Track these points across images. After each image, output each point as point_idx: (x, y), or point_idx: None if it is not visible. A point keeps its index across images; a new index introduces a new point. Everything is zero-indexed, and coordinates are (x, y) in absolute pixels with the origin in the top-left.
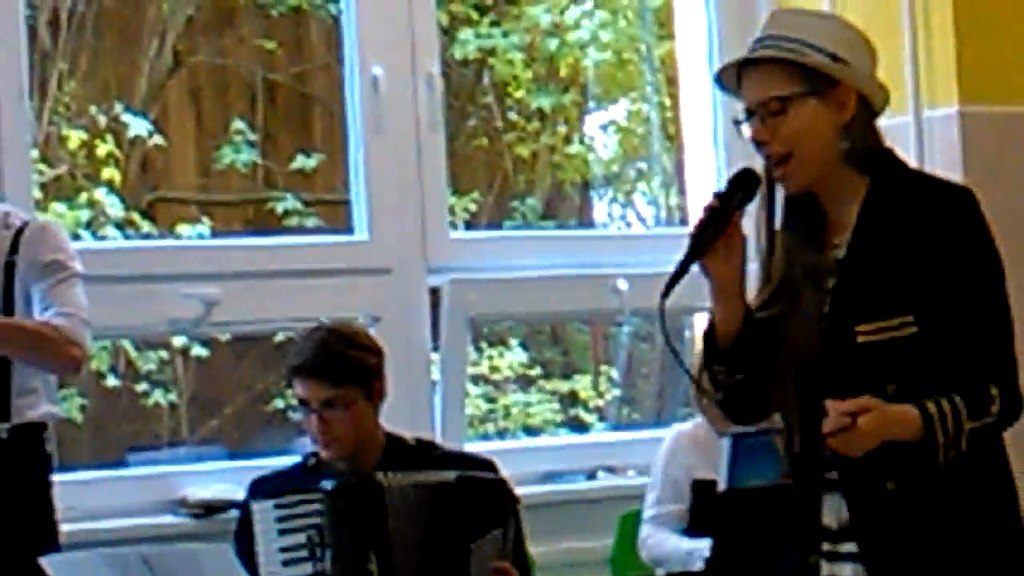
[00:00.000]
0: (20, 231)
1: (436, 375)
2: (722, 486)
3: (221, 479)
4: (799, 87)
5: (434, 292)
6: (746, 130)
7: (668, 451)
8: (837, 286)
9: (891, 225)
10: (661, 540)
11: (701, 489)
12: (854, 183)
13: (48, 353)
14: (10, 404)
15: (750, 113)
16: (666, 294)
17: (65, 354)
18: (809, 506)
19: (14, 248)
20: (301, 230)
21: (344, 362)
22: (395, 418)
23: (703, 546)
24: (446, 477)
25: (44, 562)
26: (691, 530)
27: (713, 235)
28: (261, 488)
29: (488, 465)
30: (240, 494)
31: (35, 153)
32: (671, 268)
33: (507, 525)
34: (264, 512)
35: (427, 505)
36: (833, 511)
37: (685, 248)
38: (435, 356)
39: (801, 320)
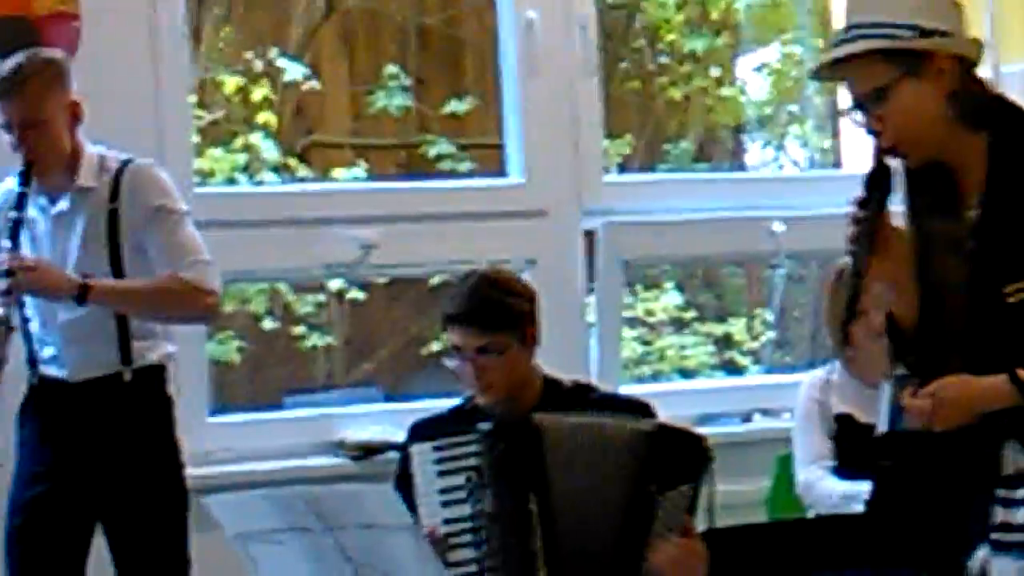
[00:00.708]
0: (119, 176)
1: (591, 318)
2: (882, 428)
3: (377, 421)
4: (894, 72)
5: (588, 235)
6: (857, 119)
7: (807, 392)
8: (977, 249)
9: (1021, 176)
10: (816, 481)
11: (845, 424)
12: (974, 142)
13: (181, 308)
14: (131, 347)
15: (857, 104)
16: (847, 322)
17: (198, 304)
18: (986, 452)
19: (115, 194)
20: (453, 174)
21: (497, 309)
22: (551, 361)
23: (862, 489)
24: (640, 425)
25: (209, 502)
26: (842, 468)
27: (869, 246)
28: (420, 431)
29: (645, 408)
30: (396, 436)
31: (192, 98)
32: (824, 211)
33: (699, 482)
34: (423, 454)
35: (599, 449)
36: (1008, 458)
37: (849, 268)
38: (590, 299)
39: (947, 289)
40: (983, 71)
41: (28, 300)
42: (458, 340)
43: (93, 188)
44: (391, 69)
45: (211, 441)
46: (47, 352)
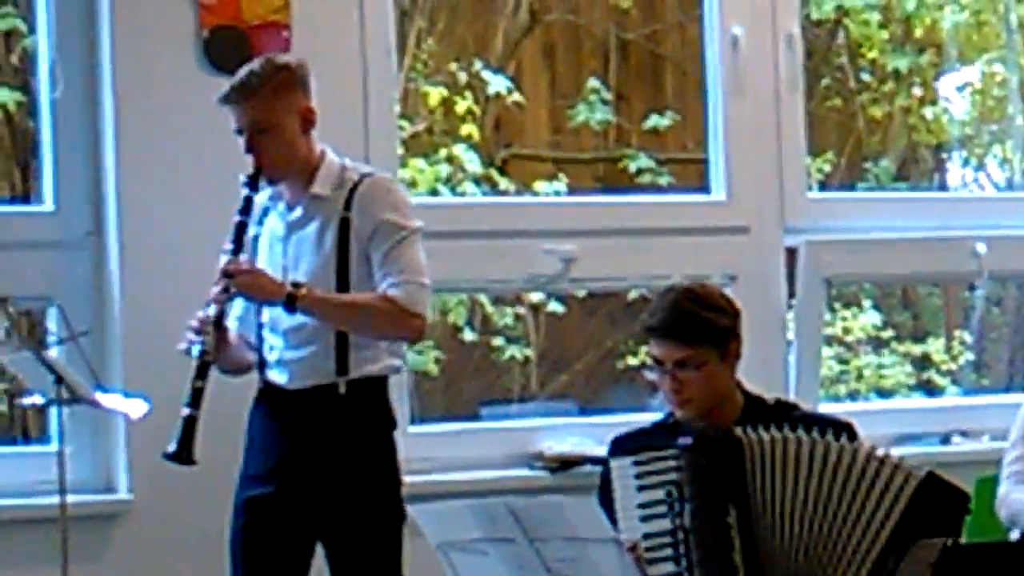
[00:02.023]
0: (355, 187)
1: (791, 335)
2: None
3: (572, 433)
4: None
5: (789, 252)
6: None
7: None
8: None
9: None
10: (1020, 498)
11: None
12: None
13: (386, 327)
14: (348, 358)
15: None
16: None
17: (403, 326)
18: None
19: (348, 204)
20: (653, 188)
21: (697, 323)
22: (749, 377)
23: None
24: (908, 471)
25: (413, 511)
26: None
27: None
28: (621, 445)
29: (848, 428)
30: (593, 449)
31: (396, 109)
32: None
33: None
34: (623, 469)
35: (803, 463)
36: None
37: None
38: (789, 316)
39: None
40: None
41: (264, 307)
42: (657, 353)
43: (327, 197)
44: (592, 83)
45: (411, 450)
46: (272, 356)
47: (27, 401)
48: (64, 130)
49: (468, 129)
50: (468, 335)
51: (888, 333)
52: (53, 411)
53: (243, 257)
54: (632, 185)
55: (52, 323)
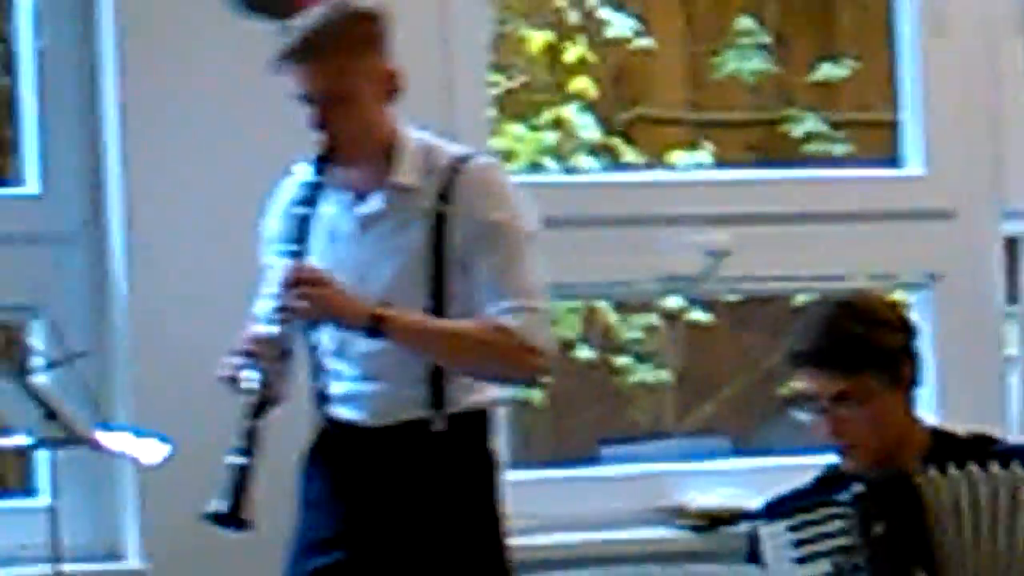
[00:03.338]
0: (452, 175)
1: (1012, 349)
2: None
3: (723, 480)
4: None
5: (1010, 243)
6: None
7: None
8: None
9: None
10: None
11: None
12: None
13: (500, 366)
14: (445, 386)
15: None
16: None
17: (521, 365)
18: None
19: (444, 197)
20: (826, 160)
21: (858, 345)
22: (955, 406)
23: None
24: None
25: None
26: None
27: None
28: (775, 508)
29: None
30: (750, 501)
31: (487, 59)
32: None
33: None
34: (775, 537)
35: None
36: None
37: None
38: (1010, 326)
39: None
40: None
41: (321, 325)
42: (809, 386)
43: (415, 187)
44: (744, 23)
45: (512, 503)
46: (340, 388)
47: (7, 442)
48: (52, 90)
49: (581, 84)
50: (584, 353)
51: None
52: (42, 455)
53: (309, 261)
54: (798, 156)
55: (39, 340)
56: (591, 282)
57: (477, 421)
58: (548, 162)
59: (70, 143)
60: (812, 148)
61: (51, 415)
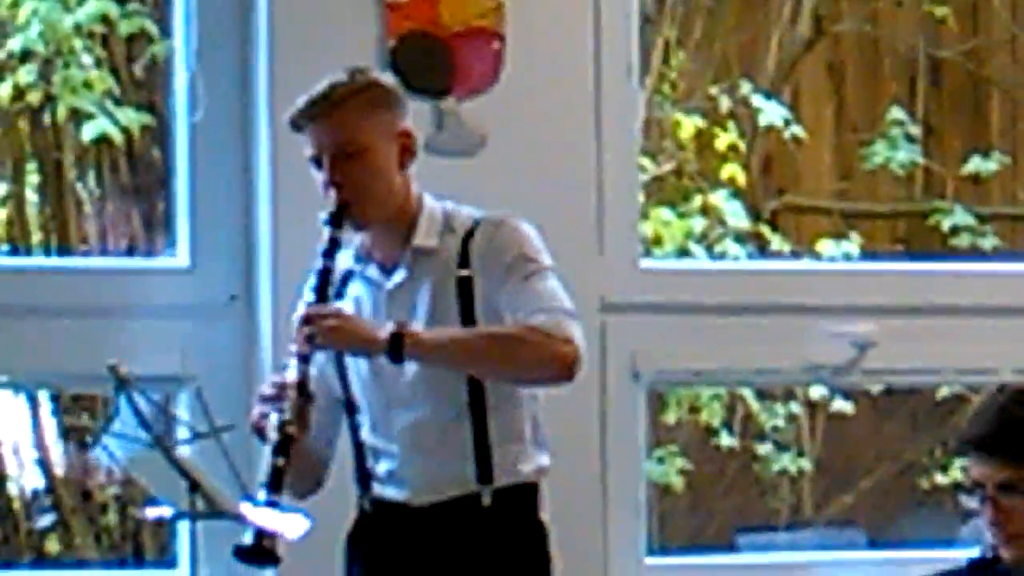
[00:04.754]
0: (470, 235)
1: None
2: None
3: (858, 572)
4: None
5: None
6: None
7: None
8: None
9: None
10: None
11: None
12: None
13: (532, 359)
14: (492, 459)
15: None
16: None
17: (553, 356)
18: None
19: (465, 259)
20: (974, 253)
21: None
22: None
23: None
24: None
25: None
26: None
27: None
28: None
29: None
30: None
31: (638, 145)
32: None
33: None
34: None
35: None
36: None
37: None
38: None
39: None
40: None
41: (361, 399)
42: (978, 473)
43: (435, 250)
44: (895, 114)
45: None
46: (383, 467)
47: (151, 513)
48: (204, 164)
49: (730, 171)
50: (725, 439)
51: None
52: (183, 527)
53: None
54: (946, 248)
55: (185, 411)
56: (735, 368)
57: (526, 494)
58: (696, 248)
59: (221, 217)
60: (960, 241)
61: (195, 487)
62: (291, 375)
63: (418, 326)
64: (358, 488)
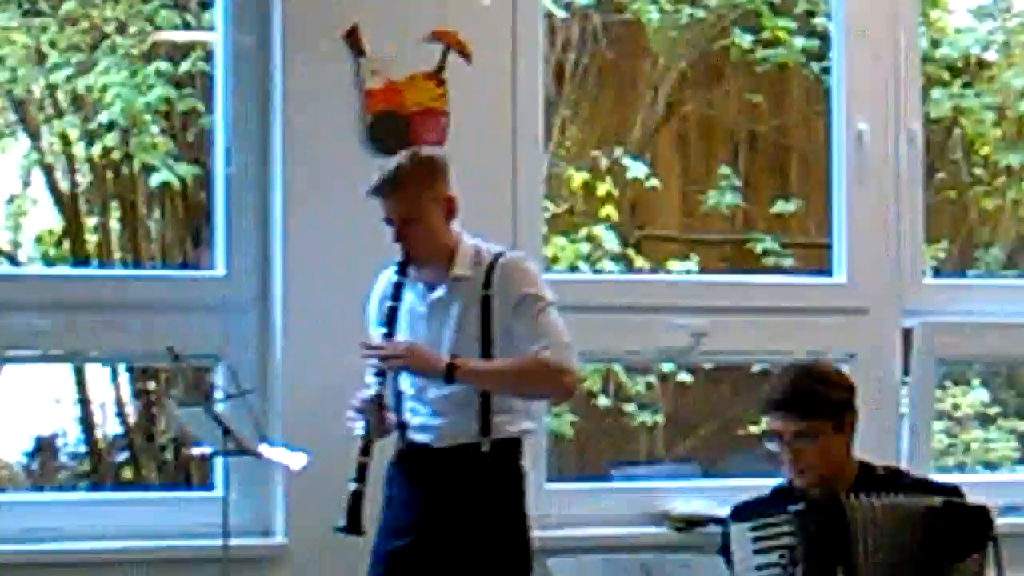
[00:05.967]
0: (492, 266)
1: (904, 409)
2: None
3: (697, 496)
4: None
5: (905, 332)
6: None
7: None
8: None
9: None
10: None
11: None
12: None
13: (541, 386)
14: (491, 421)
15: None
16: None
17: (558, 384)
18: None
19: (487, 283)
20: (777, 269)
21: (814, 398)
22: (865, 447)
23: None
24: (930, 501)
25: (550, 564)
26: None
27: None
28: (740, 512)
29: (955, 491)
30: (717, 510)
31: (542, 191)
32: None
33: (984, 550)
34: (740, 533)
35: (898, 526)
36: None
37: None
38: (903, 392)
39: None
40: None
41: (406, 375)
42: (776, 425)
43: (468, 277)
44: (723, 170)
45: (547, 506)
46: (416, 420)
47: (196, 451)
48: (236, 202)
49: (607, 210)
50: (602, 401)
51: (995, 410)
52: (219, 461)
53: (398, 338)
54: (758, 266)
55: (220, 379)
56: (610, 351)
57: (513, 446)
58: (582, 266)
59: (247, 241)
60: (768, 261)
61: (228, 432)
62: (369, 392)
63: (448, 332)
64: (398, 434)
